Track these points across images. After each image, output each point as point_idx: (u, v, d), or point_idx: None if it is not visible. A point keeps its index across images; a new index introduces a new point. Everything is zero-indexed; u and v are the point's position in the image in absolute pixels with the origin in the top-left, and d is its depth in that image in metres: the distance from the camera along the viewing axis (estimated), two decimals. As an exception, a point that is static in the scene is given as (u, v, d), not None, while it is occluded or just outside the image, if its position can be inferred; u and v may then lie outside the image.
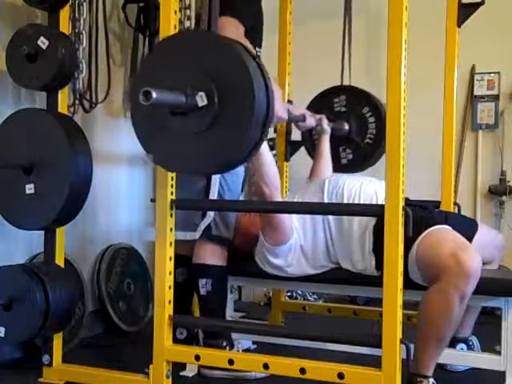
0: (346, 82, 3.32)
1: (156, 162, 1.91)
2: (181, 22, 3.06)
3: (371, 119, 3.03)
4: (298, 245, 2.32)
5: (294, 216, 2.34)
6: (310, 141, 3.13)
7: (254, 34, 2.48)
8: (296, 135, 3.14)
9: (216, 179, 2.40)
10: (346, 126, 3.06)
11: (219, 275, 2.44)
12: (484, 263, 2.08)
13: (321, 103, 3.15)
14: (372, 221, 2.21)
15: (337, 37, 3.46)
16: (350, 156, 3.09)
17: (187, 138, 1.76)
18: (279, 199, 2.25)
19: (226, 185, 2.44)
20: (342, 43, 3.37)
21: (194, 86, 1.71)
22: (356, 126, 3.06)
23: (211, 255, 2.43)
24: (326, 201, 2.35)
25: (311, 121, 2.89)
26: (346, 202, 2.31)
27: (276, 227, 2.27)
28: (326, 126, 2.92)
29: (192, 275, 2.48)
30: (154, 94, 1.60)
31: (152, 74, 1.82)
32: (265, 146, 2.14)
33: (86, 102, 2.92)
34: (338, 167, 3.07)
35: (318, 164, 2.89)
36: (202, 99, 1.69)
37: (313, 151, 3.09)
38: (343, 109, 3.11)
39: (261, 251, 2.36)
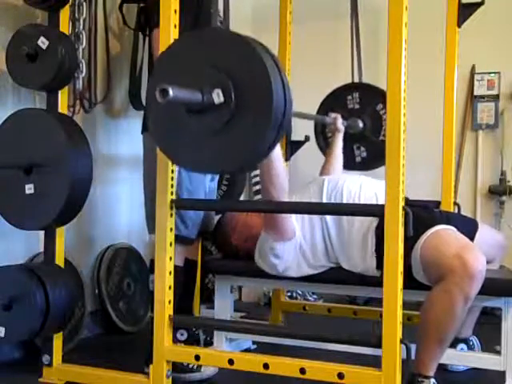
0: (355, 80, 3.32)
1: (171, 159, 1.90)
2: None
3: (385, 116, 3.02)
4: (298, 244, 2.32)
5: (293, 216, 2.33)
6: (323, 137, 3.13)
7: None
8: (296, 135, 3.14)
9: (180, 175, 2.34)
10: (360, 124, 3.05)
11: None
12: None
13: (334, 101, 3.14)
14: (374, 222, 2.21)
15: (337, 36, 3.46)
16: (365, 154, 3.09)
17: (203, 137, 1.74)
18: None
19: (188, 183, 2.40)
20: (350, 41, 3.36)
21: (211, 83, 1.68)
22: (370, 123, 3.05)
23: None
24: (324, 201, 2.35)
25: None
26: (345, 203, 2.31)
27: (278, 224, 2.26)
28: (340, 124, 2.93)
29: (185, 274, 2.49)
30: (171, 92, 1.57)
31: (167, 72, 1.81)
32: (276, 148, 2.12)
33: (85, 102, 2.92)
34: (353, 165, 3.07)
35: (329, 162, 2.90)
36: (218, 96, 1.66)
37: (326, 147, 3.09)
38: (357, 106, 3.10)
39: (262, 249, 2.34)
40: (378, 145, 3.02)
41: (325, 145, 3.14)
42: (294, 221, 2.32)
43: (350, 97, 3.11)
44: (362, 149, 3.07)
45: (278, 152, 2.11)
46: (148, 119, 1.88)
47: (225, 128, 1.70)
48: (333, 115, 2.94)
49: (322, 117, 3.02)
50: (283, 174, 2.19)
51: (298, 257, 2.32)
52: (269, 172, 2.14)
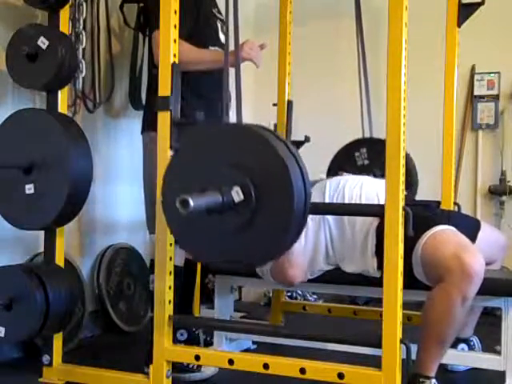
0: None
1: (195, 258, 1.95)
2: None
3: None
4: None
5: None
6: None
7: (199, 33, 2.44)
8: (296, 135, 3.14)
9: None
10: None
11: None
12: (487, 263, 2.08)
13: (343, 159, 3.14)
14: (375, 222, 2.21)
15: (337, 36, 3.46)
16: None
17: (225, 236, 1.70)
18: (301, 280, 2.27)
19: None
20: (356, 44, 3.34)
21: (228, 181, 1.63)
22: (381, 176, 3.04)
23: None
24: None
25: None
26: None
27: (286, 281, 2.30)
28: None
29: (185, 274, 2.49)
30: (192, 202, 1.51)
31: (182, 176, 1.76)
32: None
33: (89, 102, 2.92)
34: None
35: None
36: (238, 195, 1.61)
37: None
38: (366, 162, 3.10)
39: (265, 275, 2.38)
40: None
41: None
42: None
43: (357, 153, 3.11)
44: None
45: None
46: (169, 222, 1.83)
47: (247, 225, 1.65)
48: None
49: None
50: (299, 251, 2.22)
51: None
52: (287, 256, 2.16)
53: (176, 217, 1.70)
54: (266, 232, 1.65)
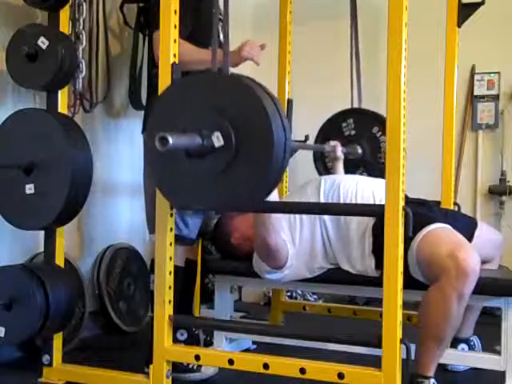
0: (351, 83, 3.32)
1: (171, 201, 1.93)
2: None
3: (382, 138, 3.00)
4: (293, 259, 2.30)
5: (292, 217, 2.33)
6: (322, 161, 3.14)
7: (199, 33, 2.43)
8: (296, 135, 3.14)
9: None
10: (360, 150, 3.03)
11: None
12: (484, 262, 2.08)
13: (329, 129, 3.14)
14: (371, 221, 2.21)
15: (337, 36, 3.46)
16: None
17: (203, 180, 1.74)
18: (281, 242, 2.24)
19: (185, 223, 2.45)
20: (349, 43, 3.35)
21: (210, 126, 1.67)
22: (369, 147, 3.04)
23: None
24: (322, 201, 2.35)
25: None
26: (342, 202, 2.31)
27: (271, 256, 2.26)
28: (340, 153, 2.91)
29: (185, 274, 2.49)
30: (171, 140, 1.56)
31: (165, 116, 1.80)
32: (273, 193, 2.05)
33: (86, 102, 2.92)
34: None
35: None
36: (218, 140, 1.65)
37: (324, 171, 3.09)
38: (353, 132, 3.09)
39: (257, 266, 2.36)
40: (380, 168, 3.02)
41: (324, 170, 3.14)
42: (293, 223, 2.32)
43: (344, 124, 3.11)
44: (365, 174, 3.05)
45: (273, 193, 2.09)
46: (146, 161, 1.88)
47: (225, 170, 1.69)
48: (332, 143, 2.92)
49: (322, 146, 3.01)
50: (278, 219, 2.20)
51: (294, 267, 2.32)
52: (265, 222, 2.15)
53: (159, 161, 1.79)
54: (243, 179, 1.68)
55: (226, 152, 1.67)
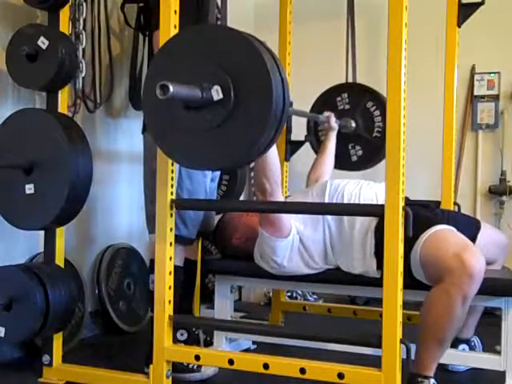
0: (349, 80, 3.32)
1: (168, 155, 1.90)
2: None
3: (376, 112, 3.04)
4: (296, 243, 2.31)
5: (295, 217, 2.33)
6: (315, 135, 3.15)
7: None
8: (296, 135, 3.14)
9: (180, 175, 2.35)
10: (353, 123, 3.06)
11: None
12: (488, 263, 2.08)
13: (323, 103, 3.15)
14: (373, 223, 2.21)
15: (337, 36, 3.45)
16: (360, 152, 3.11)
17: (201, 133, 1.75)
18: (280, 195, 2.24)
19: (188, 183, 2.40)
20: (345, 42, 3.36)
21: (209, 79, 1.68)
22: (362, 121, 3.07)
23: None
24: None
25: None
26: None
27: (274, 222, 2.26)
28: (334, 123, 2.94)
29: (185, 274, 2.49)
30: (171, 88, 1.58)
31: (166, 68, 1.80)
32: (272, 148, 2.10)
33: (89, 103, 2.92)
34: (350, 165, 3.09)
35: (321, 158, 2.91)
36: (217, 93, 1.67)
37: (317, 146, 3.10)
38: (347, 106, 3.12)
39: (260, 245, 2.34)
40: (373, 142, 3.04)
41: (316, 143, 3.16)
42: (292, 221, 2.32)
43: (339, 98, 3.13)
44: (358, 147, 3.09)
45: (273, 147, 2.11)
46: (144, 114, 1.86)
47: (223, 124, 1.70)
48: (326, 114, 2.95)
49: (316, 115, 3.03)
50: (278, 167, 2.19)
51: (294, 255, 2.32)
52: (263, 165, 2.14)
53: (154, 110, 1.80)
54: (240, 133, 1.69)
55: (224, 105, 1.68)
